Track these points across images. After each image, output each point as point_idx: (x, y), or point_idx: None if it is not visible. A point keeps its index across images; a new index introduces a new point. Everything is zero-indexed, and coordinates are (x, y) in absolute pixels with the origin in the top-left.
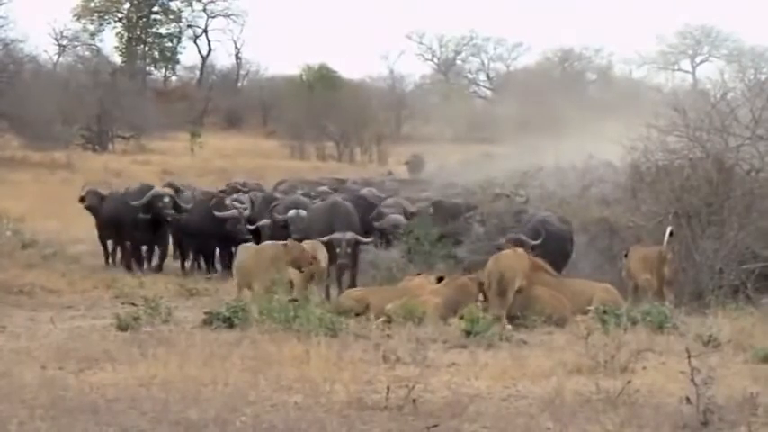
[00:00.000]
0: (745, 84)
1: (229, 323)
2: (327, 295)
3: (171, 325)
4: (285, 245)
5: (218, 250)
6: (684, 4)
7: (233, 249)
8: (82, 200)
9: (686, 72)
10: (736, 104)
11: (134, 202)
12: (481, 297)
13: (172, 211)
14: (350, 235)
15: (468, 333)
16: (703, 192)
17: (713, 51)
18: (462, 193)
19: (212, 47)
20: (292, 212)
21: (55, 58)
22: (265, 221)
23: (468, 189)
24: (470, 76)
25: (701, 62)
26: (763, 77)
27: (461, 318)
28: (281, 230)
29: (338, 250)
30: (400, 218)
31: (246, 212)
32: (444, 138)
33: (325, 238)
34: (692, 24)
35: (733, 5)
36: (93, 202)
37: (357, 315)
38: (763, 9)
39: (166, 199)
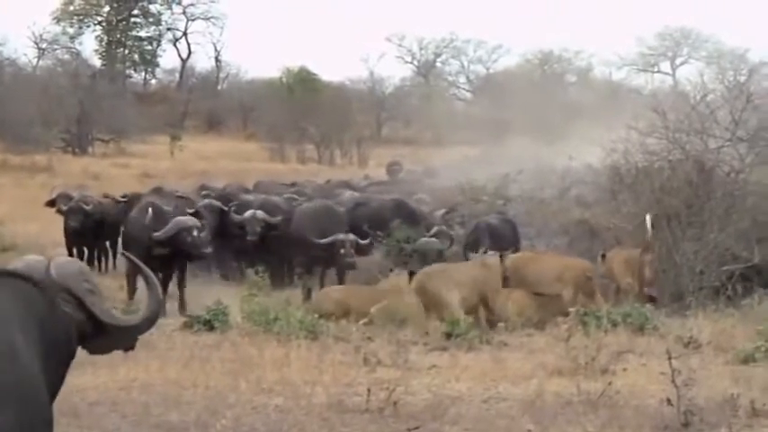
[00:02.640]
0: (725, 85)
1: (209, 326)
2: (308, 296)
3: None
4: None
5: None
6: (664, 6)
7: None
8: (51, 203)
9: (666, 74)
10: (716, 106)
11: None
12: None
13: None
14: (352, 236)
15: (448, 335)
16: (684, 193)
17: (693, 53)
18: (432, 199)
19: (192, 50)
20: (248, 213)
21: (34, 61)
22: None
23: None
24: (450, 78)
25: (681, 64)
26: (742, 79)
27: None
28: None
29: (342, 251)
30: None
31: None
32: (424, 140)
33: (328, 240)
34: (672, 26)
35: (712, 7)
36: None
37: (337, 318)
38: (742, 11)
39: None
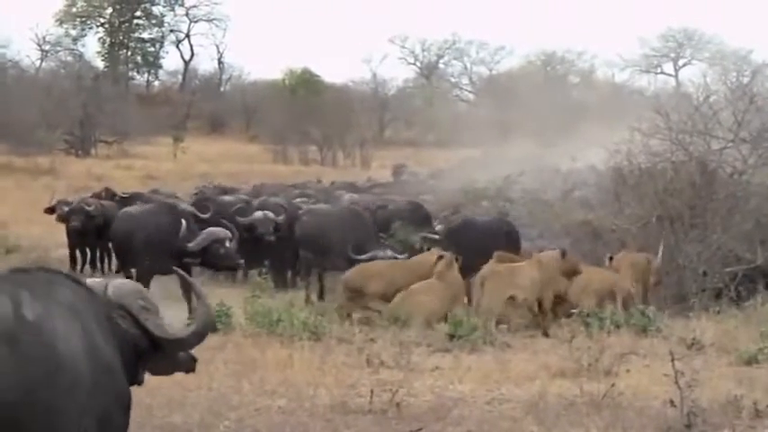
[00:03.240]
0: (728, 86)
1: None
2: (309, 299)
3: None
4: (564, 252)
5: None
6: (667, 7)
7: None
8: (51, 210)
9: (669, 75)
10: (719, 107)
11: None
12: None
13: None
14: (390, 253)
15: (451, 336)
16: (686, 195)
17: (696, 54)
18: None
19: (195, 51)
20: (259, 214)
21: (37, 63)
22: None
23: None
24: (453, 79)
25: (684, 65)
26: (745, 80)
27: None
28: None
29: None
30: None
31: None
32: (427, 141)
33: (367, 257)
34: (675, 27)
35: (715, 9)
36: (64, 213)
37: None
38: (745, 12)
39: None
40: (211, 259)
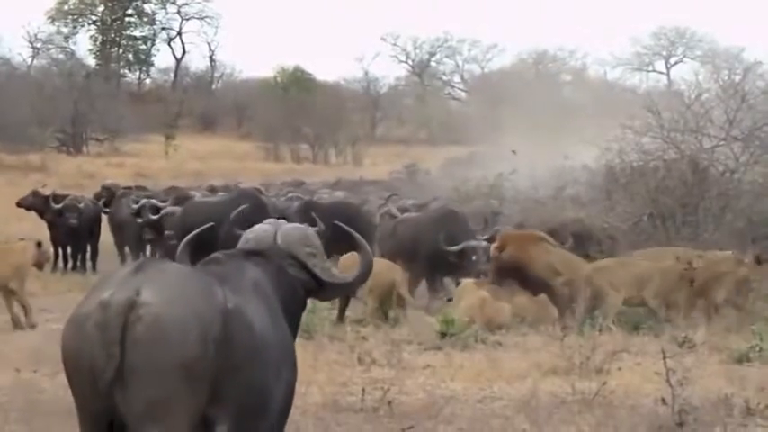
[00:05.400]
0: (720, 85)
1: None
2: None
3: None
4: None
5: None
6: (659, 6)
7: None
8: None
9: (661, 73)
10: (711, 105)
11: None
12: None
13: None
14: (485, 244)
15: (443, 335)
16: (678, 193)
17: (687, 52)
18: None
19: (186, 49)
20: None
21: (29, 60)
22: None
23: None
24: (445, 77)
25: (676, 63)
26: (737, 78)
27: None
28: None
29: (474, 258)
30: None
31: None
32: (419, 139)
33: (459, 247)
34: (667, 26)
35: (707, 7)
36: (36, 204)
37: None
38: (737, 10)
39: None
40: None
